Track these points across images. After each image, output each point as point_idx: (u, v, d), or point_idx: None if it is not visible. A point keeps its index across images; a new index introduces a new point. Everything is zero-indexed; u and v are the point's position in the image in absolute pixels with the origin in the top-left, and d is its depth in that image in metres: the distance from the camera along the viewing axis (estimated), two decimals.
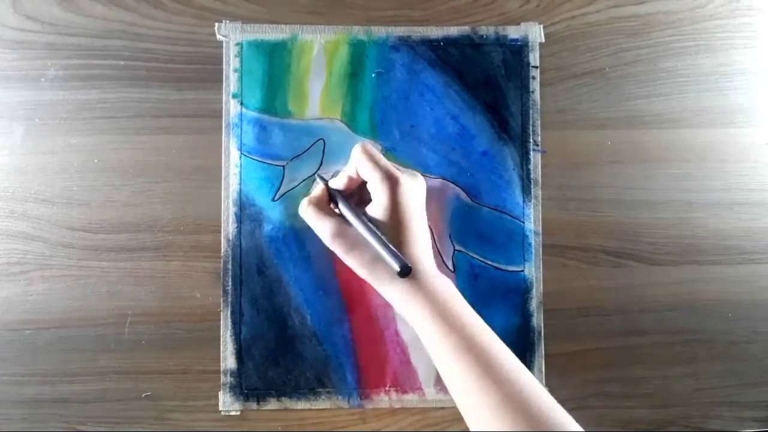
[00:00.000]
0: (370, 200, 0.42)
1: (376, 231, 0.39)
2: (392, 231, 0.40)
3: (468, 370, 0.37)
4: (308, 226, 0.45)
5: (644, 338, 0.49)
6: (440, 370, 0.40)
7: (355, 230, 0.41)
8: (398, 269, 0.37)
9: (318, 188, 0.44)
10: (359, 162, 0.41)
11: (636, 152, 0.50)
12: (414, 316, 0.40)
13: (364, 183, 0.43)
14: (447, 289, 0.40)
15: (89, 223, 0.48)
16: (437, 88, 0.49)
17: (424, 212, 0.43)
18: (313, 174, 0.48)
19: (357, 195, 0.44)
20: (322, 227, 0.42)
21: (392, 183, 0.40)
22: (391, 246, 0.38)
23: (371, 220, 0.41)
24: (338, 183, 0.44)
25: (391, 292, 0.41)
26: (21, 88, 0.48)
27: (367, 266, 0.41)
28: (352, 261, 0.41)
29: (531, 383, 0.37)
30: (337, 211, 0.43)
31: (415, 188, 0.42)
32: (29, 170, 0.48)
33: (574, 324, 0.49)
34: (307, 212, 0.43)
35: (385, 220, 0.40)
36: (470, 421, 0.38)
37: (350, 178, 0.43)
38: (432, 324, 0.38)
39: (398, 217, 0.40)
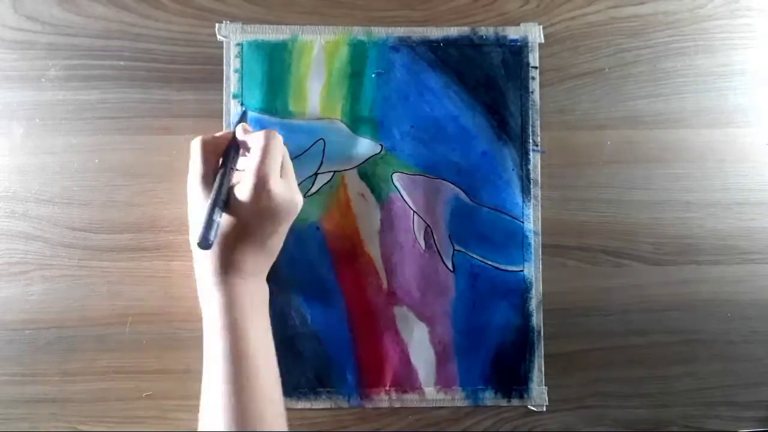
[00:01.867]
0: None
1: (217, 205, 0.38)
2: (238, 223, 0.39)
3: (223, 368, 0.38)
4: (308, 226, 0.46)
5: (644, 338, 0.49)
6: (204, 357, 0.40)
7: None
8: (198, 240, 0.37)
9: (223, 132, 0.43)
10: (254, 147, 0.39)
11: (635, 152, 0.50)
12: (206, 299, 0.40)
13: None
14: (252, 300, 0.41)
15: (90, 223, 0.48)
16: (437, 88, 0.49)
17: (283, 228, 0.42)
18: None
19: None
20: (195, 170, 0.40)
21: (260, 188, 0.38)
22: (215, 221, 0.38)
23: (229, 196, 0.40)
24: (240, 135, 0.42)
25: (201, 270, 0.41)
26: (21, 88, 0.48)
27: (197, 226, 0.40)
28: (193, 217, 0.41)
29: (266, 400, 0.38)
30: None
31: (280, 201, 0.39)
32: (30, 170, 0.48)
33: (573, 324, 0.49)
34: (195, 147, 0.41)
35: (239, 209, 0.39)
36: (201, 418, 0.40)
37: (247, 145, 0.41)
38: (215, 325, 0.39)
39: (251, 216, 0.39)
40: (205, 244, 0.37)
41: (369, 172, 0.48)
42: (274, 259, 0.43)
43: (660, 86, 0.50)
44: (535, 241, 0.49)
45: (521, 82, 0.49)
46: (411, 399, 0.48)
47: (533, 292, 0.48)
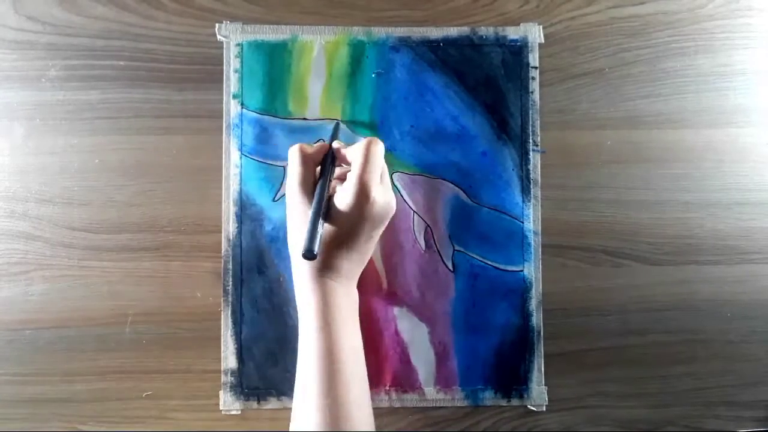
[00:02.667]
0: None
1: (319, 214, 0.39)
2: (337, 229, 0.40)
3: (315, 377, 0.39)
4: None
5: (643, 338, 0.49)
6: (299, 357, 0.41)
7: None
8: (304, 251, 0.37)
9: (320, 144, 0.44)
10: (355, 155, 0.40)
11: (635, 152, 0.50)
12: (301, 307, 0.41)
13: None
14: (346, 302, 0.41)
15: (90, 223, 0.48)
16: (437, 88, 0.49)
17: (378, 232, 0.42)
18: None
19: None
20: (295, 175, 0.41)
21: (362, 195, 0.39)
22: (318, 231, 0.38)
23: (329, 204, 0.41)
24: (341, 149, 0.43)
25: (299, 272, 0.42)
26: (22, 88, 0.48)
27: (296, 237, 0.41)
28: (292, 222, 0.42)
29: (357, 409, 0.39)
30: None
31: (379, 209, 0.40)
32: (30, 170, 0.48)
33: (573, 324, 0.49)
34: (295, 153, 0.42)
35: (339, 216, 0.40)
36: (293, 417, 0.41)
37: (346, 157, 0.42)
38: (311, 324, 0.40)
39: (350, 222, 0.40)
40: (310, 255, 0.37)
41: None
42: (366, 262, 0.44)
43: (660, 86, 0.50)
44: (534, 241, 0.49)
45: (521, 82, 0.49)
46: (411, 399, 0.48)
47: (533, 292, 0.48)
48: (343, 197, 0.40)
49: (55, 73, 0.48)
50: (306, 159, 0.42)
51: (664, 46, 0.50)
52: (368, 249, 0.43)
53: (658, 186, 0.50)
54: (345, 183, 0.41)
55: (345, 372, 0.39)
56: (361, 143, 0.41)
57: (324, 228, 0.40)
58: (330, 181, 0.42)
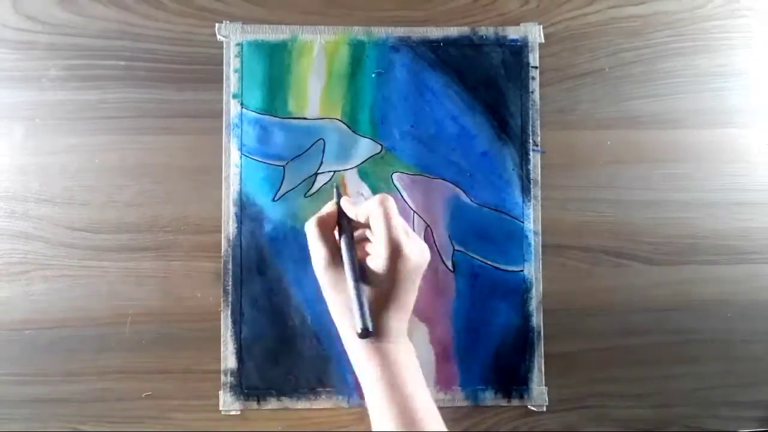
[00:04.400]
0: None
1: (359, 283, 0.39)
2: (378, 291, 0.40)
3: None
4: None
5: (643, 338, 0.49)
6: (372, 418, 0.40)
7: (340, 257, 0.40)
8: (359, 330, 0.37)
9: (329, 206, 0.43)
10: (374, 217, 0.40)
11: (635, 152, 0.50)
12: (365, 374, 0.40)
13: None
14: (406, 357, 0.40)
15: (90, 223, 0.48)
16: (437, 88, 0.49)
17: (418, 282, 0.41)
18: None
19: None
20: (319, 253, 0.41)
21: (396, 255, 0.39)
22: (365, 304, 0.38)
23: (363, 267, 0.40)
24: (350, 210, 0.42)
25: (353, 345, 0.41)
26: (22, 88, 0.48)
27: (340, 310, 0.41)
28: (330, 298, 0.41)
29: None
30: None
31: (415, 262, 0.40)
32: (30, 170, 0.48)
33: (573, 324, 0.49)
34: (311, 230, 0.42)
35: (376, 278, 0.40)
36: None
37: (358, 217, 0.42)
38: (379, 388, 0.39)
39: (389, 281, 0.39)
40: (367, 334, 0.37)
41: (369, 172, 0.48)
42: (409, 315, 0.42)
43: (659, 86, 0.50)
44: (535, 241, 0.49)
45: (521, 82, 0.49)
46: None
47: (533, 292, 0.48)
48: (378, 261, 0.39)
49: (56, 73, 0.48)
50: (324, 231, 0.41)
51: (664, 46, 0.50)
52: (412, 301, 0.42)
53: (658, 186, 0.50)
54: (375, 246, 0.40)
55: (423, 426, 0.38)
56: (373, 201, 0.40)
57: (365, 292, 0.39)
58: (353, 244, 0.41)
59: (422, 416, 0.38)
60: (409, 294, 0.41)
